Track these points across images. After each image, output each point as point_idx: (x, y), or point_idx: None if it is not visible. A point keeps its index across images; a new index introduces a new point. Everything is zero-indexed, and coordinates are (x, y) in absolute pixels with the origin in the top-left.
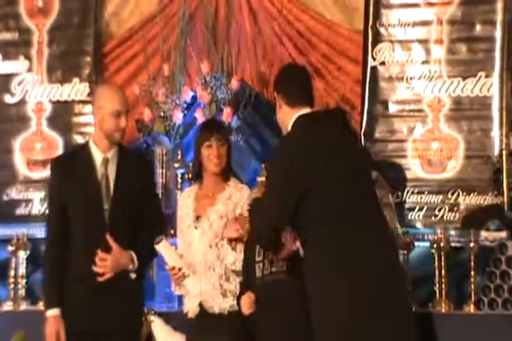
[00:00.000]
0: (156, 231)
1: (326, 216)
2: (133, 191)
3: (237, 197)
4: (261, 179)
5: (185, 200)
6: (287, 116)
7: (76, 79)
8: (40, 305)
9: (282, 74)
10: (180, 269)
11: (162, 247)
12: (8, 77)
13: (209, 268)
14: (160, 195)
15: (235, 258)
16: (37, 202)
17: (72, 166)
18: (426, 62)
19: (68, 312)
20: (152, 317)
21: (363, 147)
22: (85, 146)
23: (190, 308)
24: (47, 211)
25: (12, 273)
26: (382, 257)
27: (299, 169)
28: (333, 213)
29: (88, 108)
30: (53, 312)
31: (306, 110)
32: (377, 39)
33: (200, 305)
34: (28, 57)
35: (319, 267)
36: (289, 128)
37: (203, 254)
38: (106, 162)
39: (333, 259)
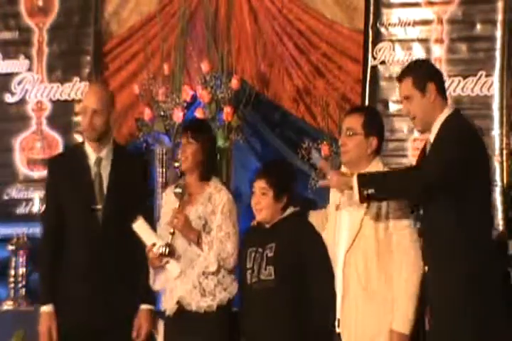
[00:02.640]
0: None
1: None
2: (128, 190)
3: (215, 199)
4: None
5: (169, 198)
6: (437, 107)
7: (76, 79)
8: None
9: (433, 66)
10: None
11: (139, 226)
12: (8, 76)
13: (188, 266)
14: (160, 194)
15: (178, 271)
16: (37, 202)
17: (67, 166)
18: None
19: (65, 311)
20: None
21: None
22: (81, 145)
23: (168, 306)
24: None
25: (12, 272)
26: None
27: (474, 156)
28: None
29: None
30: (46, 309)
31: (449, 106)
32: (378, 38)
33: (178, 303)
34: (28, 57)
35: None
36: (438, 118)
37: (183, 252)
38: (99, 161)
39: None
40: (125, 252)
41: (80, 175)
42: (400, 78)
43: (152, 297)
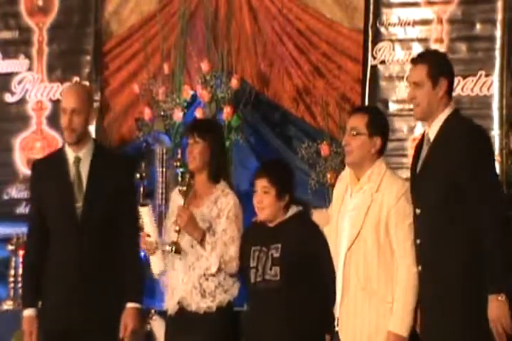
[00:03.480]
0: (133, 241)
1: None
2: (108, 190)
3: (222, 202)
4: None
5: (176, 196)
6: (442, 104)
7: (76, 78)
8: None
9: (450, 64)
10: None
11: (145, 212)
12: (8, 76)
13: (189, 268)
14: (160, 194)
15: (160, 269)
16: None
17: (47, 167)
18: None
19: (46, 312)
20: (153, 317)
21: None
22: (61, 147)
23: (170, 306)
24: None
25: (12, 272)
26: None
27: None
28: None
29: None
30: (27, 313)
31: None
32: (378, 38)
33: (179, 303)
34: (28, 56)
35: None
36: (439, 117)
37: (184, 253)
38: (78, 161)
39: None
40: (110, 252)
41: (59, 176)
42: (416, 62)
43: (140, 296)
